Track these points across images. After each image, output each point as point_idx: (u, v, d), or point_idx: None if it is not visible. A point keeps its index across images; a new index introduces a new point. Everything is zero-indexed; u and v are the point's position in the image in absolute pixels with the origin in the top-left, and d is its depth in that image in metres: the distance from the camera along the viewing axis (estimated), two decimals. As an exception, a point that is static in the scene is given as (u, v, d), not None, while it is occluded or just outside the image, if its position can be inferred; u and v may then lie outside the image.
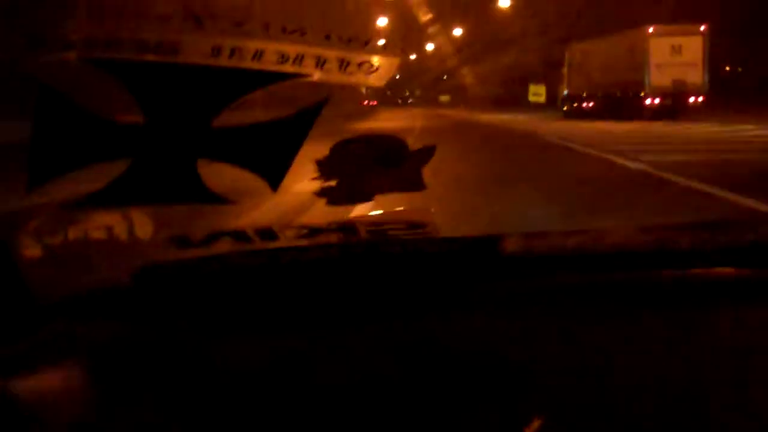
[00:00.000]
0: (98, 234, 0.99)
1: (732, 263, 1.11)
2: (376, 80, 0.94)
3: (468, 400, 0.89)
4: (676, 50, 24.04)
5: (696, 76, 23.93)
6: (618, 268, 1.10)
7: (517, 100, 36.64)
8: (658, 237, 1.13)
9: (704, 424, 0.83)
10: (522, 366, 0.94)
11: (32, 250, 0.98)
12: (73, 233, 0.98)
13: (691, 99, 24.05)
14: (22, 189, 0.94)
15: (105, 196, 0.96)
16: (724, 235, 1.15)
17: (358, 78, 0.94)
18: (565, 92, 31.56)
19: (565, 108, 30.77)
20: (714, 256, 1.11)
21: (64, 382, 0.91)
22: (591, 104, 28.72)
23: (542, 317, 1.01)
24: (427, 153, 1.09)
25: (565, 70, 31.71)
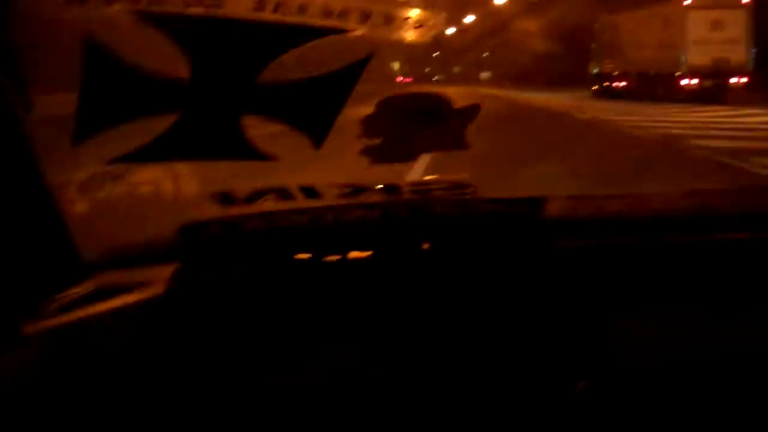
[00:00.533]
0: (143, 189, 1.01)
1: None
2: (421, 35, 0.94)
3: (512, 359, 0.89)
4: (717, 25, 21.31)
5: (739, 54, 21.28)
6: (660, 232, 1.09)
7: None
8: (699, 202, 1.12)
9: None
10: (563, 328, 0.94)
11: (79, 205, 0.99)
12: (118, 188, 0.99)
13: (733, 80, 21.30)
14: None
15: (150, 151, 0.97)
16: (765, 200, 1.14)
17: (403, 33, 0.94)
18: (596, 70, 28.16)
19: (594, 87, 27.59)
20: (755, 222, 1.09)
21: (102, 334, 0.93)
22: (623, 83, 25.73)
23: (583, 280, 1.01)
24: (471, 111, 1.09)
25: (594, 45, 28.19)
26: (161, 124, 0.95)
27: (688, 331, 0.95)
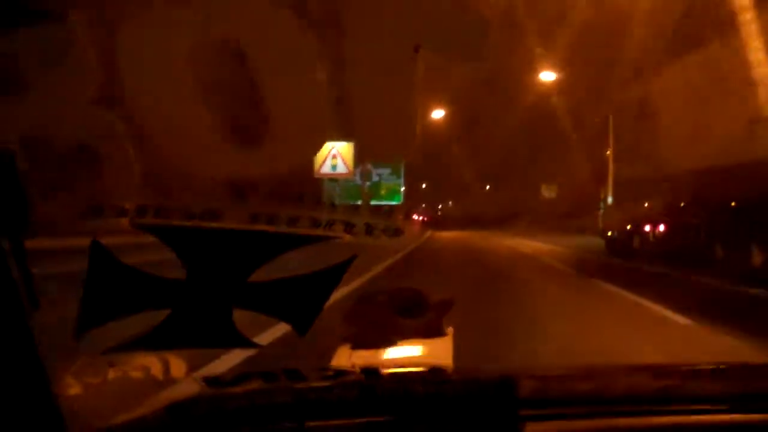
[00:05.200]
0: (136, 374, 1.13)
1: (736, 410, 1.20)
2: (396, 239, 1.12)
3: None
4: None
5: None
6: (627, 412, 1.20)
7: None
8: (666, 383, 1.25)
9: None
10: None
11: (74, 389, 1.11)
12: (113, 374, 1.12)
13: None
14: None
15: (146, 340, 1.10)
16: (730, 381, 1.27)
17: (381, 240, 1.11)
18: (609, 199, 17.37)
19: (609, 233, 17.06)
20: (720, 402, 1.21)
21: None
22: (660, 229, 13.56)
23: None
24: (446, 305, 1.23)
25: (609, 151, 16.88)
26: (156, 317, 1.09)
27: None
